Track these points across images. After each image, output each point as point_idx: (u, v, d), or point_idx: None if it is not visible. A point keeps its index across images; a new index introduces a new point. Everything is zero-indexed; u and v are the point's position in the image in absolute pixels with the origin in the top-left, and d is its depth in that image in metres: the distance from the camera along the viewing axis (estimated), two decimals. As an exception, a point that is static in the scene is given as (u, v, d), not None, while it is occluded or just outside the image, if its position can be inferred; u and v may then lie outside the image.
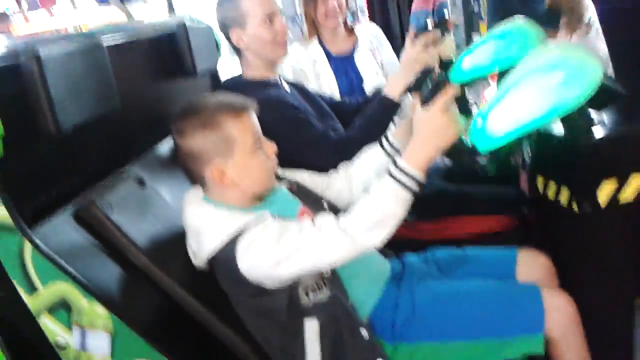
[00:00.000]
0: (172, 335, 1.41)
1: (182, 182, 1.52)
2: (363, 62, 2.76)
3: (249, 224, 1.31)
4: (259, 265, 1.30)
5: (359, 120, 1.86)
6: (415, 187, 1.30)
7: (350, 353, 1.36)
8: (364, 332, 1.37)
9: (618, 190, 1.39)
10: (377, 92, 1.94)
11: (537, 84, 1.24)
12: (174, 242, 1.49)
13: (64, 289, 1.33)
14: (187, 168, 1.43)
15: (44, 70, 1.25)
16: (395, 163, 1.33)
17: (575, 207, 1.43)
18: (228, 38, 1.96)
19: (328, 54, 2.73)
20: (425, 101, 1.32)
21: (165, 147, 1.84)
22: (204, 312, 1.42)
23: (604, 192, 1.40)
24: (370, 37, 2.85)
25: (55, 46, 1.32)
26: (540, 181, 1.56)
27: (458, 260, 1.63)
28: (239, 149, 1.38)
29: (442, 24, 1.79)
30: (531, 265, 1.59)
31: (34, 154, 1.33)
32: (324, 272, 1.37)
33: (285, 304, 1.34)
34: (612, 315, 1.51)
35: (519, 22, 1.65)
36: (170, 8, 3.44)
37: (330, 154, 1.74)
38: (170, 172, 1.72)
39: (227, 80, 2.06)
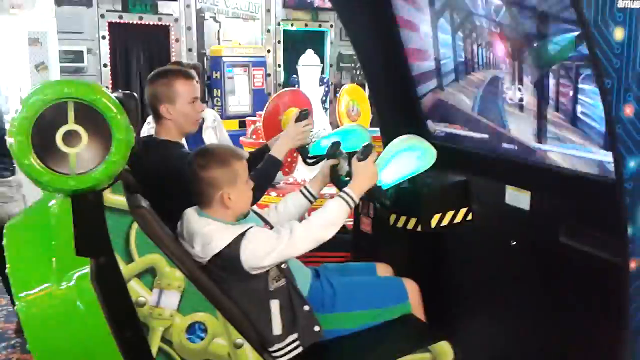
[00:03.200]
0: (218, 298, 1.98)
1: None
2: (208, 137, 3.78)
3: (249, 228, 2.01)
4: (256, 254, 1.99)
5: (254, 171, 2.49)
6: (353, 205, 2.16)
7: (300, 321, 2.11)
8: (306, 307, 2.14)
9: (441, 219, 2.47)
10: (266, 149, 2.65)
11: (407, 156, 2.30)
12: None
13: (155, 258, 1.87)
14: (201, 191, 2.06)
15: None
16: (344, 190, 2.16)
17: (420, 228, 2.48)
18: (155, 108, 2.43)
19: None
20: (360, 158, 2.20)
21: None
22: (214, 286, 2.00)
23: (434, 220, 2.47)
24: (212, 118, 3.96)
25: None
26: (392, 217, 2.59)
27: (342, 269, 2.53)
28: (241, 181, 2.09)
29: (307, 114, 2.66)
30: (383, 270, 2.56)
31: None
32: (283, 265, 2.10)
33: (262, 286, 2.06)
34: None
35: (354, 125, 2.90)
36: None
37: None
38: None
39: (147, 138, 2.59)
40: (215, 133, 3.95)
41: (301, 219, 2.30)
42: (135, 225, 1.83)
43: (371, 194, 2.24)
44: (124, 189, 1.85)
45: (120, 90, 2.52)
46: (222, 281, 2.01)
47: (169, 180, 2.26)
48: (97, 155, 1.70)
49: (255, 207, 2.34)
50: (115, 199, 1.81)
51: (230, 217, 2.09)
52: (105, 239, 1.80)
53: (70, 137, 1.68)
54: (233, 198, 2.05)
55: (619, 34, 1.68)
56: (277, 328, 2.07)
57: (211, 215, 2.06)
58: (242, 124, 7.19)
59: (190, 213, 2.09)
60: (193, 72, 2.56)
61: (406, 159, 2.31)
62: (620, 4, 1.67)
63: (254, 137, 5.52)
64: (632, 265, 1.84)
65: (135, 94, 2.08)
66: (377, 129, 3.25)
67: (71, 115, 1.67)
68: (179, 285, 1.89)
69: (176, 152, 2.38)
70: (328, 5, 8.05)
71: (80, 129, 1.68)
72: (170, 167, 2.28)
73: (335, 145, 2.48)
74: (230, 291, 2.02)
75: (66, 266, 1.76)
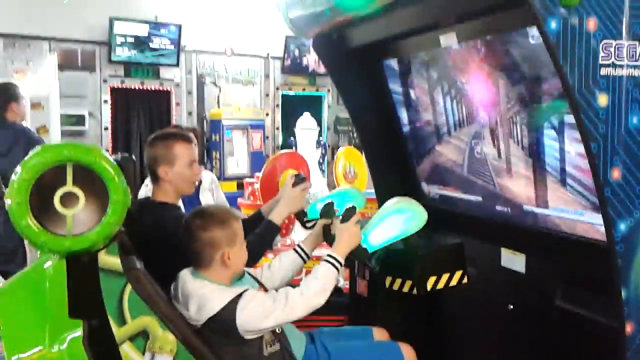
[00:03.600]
0: None
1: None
2: (205, 198, 3.81)
3: (245, 291, 2.01)
4: (252, 318, 1.98)
5: (251, 237, 2.49)
6: (339, 267, 2.16)
7: None
8: None
9: (437, 282, 2.43)
10: (260, 216, 2.69)
11: (395, 218, 2.32)
12: None
13: (147, 321, 1.85)
14: (200, 252, 2.06)
15: None
16: (329, 254, 2.16)
17: (415, 292, 2.45)
18: (154, 170, 2.46)
19: None
20: (343, 220, 2.24)
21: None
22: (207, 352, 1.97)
23: (430, 283, 2.43)
24: (209, 180, 3.99)
25: None
26: (388, 279, 2.57)
27: (338, 333, 2.50)
28: (239, 240, 2.11)
29: (304, 179, 2.69)
30: (379, 334, 2.52)
31: None
32: (277, 330, 2.10)
33: (256, 352, 2.05)
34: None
35: (349, 187, 2.97)
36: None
37: None
38: None
39: (143, 199, 2.60)
40: (212, 195, 4.00)
41: (294, 282, 2.30)
42: (128, 288, 1.83)
43: (355, 255, 2.26)
44: (119, 250, 1.86)
45: (119, 153, 2.57)
46: (216, 346, 1.98)
47: (163, 243, 2.26)
48: (94, 217, 1.72)
49: (248, 269, 2.33)
50: (110, 260, 1.82)
51: (226, 278, 2.09)
52: (99, 301, 1.80)
53: (68, 199, 1.70)
54: (232, 257, 2.06)
55: (603, 100, 1.74)
56: None
57: (207, 277, 2.06)
58: (240, 186, 7.24)
59: (186, 274, 2.09)
60: (192, 136, 2.61)
61: (394, 221, 2.32)
62: (603, 72, 1.73)
63: (251, 198, 5.55)
64: (629, 329, 1.83)
65: (133, 157, 2.12)
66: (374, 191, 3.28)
67: (70, 177, 1.70)
68: (172, 349, 1.87)
69: (171, 215, 2.40)
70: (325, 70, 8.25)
71: (78, 191, 1.71)
72: (165, 229, 2.29)
73: (329, 205, 2.51)
74: (223, 356, 1.99)
75: (59, 328, 1.75)
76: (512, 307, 2.51)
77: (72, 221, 1.70)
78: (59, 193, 1.69)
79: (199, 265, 2.08)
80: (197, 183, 3.73)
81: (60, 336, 1.74)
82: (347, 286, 3.10)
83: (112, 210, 1.72)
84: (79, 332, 1.74)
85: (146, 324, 1.85)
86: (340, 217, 2.26)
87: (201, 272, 2.07)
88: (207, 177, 4.07)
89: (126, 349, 1.83)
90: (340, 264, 2.15)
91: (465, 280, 2.48)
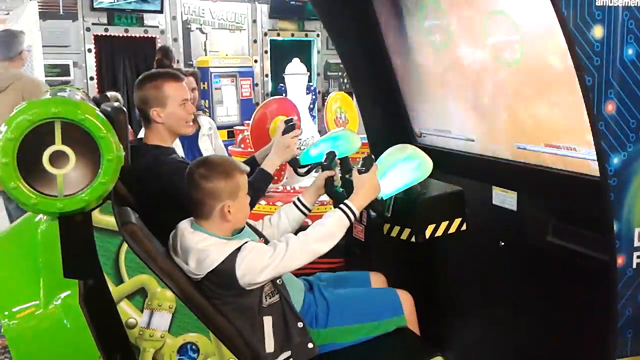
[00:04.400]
0: (211, 316, 1.94)
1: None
2: (203, 144, 3.74)
3: (245, 243, 1.97)
4: (252, 269, 1.94)
5: None
6: (353, 219, 2.10)
7: (293, 338, 2.08)
8: (300, 324, 2.10)
9: (435, 229, 2.41)
10: (254, 161, 2.63)
11: (404, 167, 2.26)
12: None
13: (145, 279, 1.83)
14: (201, 202, 2.00)
15: None
16: (345, 203, 2.10)
17: (413, 239, 2.42)
18: (145, 112, 2.37)
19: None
20: (361, 171, 2.15)
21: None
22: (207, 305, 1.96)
23: (429, 230, 2.41)
24: (208, 126, 3.89)
25: None
26: (386, 226, 2.53)
27: (336, 279, 2.49)
28: (242, 194, 2.05)
29: (294, 125, 2.63)
30: (376, 280, 2.53)
31: None
32: (277, 280, 2.07)
33: (256, 302, 2.02)
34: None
35: (342, 130, 2.84)
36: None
37: None
38: None
39: (137, 143, 2.48)
40: (210, 140, 3.91)
41: (297, 230, 2.26)
42: (125, 246, 1.79)
43: (372, 206, 2.19)
44: (113, 205, 1.80)
45: (107, 96, 2.46)
46: (216, 297, 1.97)
47: (159, 189, 2.21)
48: (86, 176, 1.64)
49: (249, 220, 2.30)
50: (104, 219, 1.77)
51: (226, 231, 2.05)
52: (94, 260, 1.77)
53: (58, 158, 1.62)
54: (233, 211, 2.01)
55: (598, 31, 1.70)
56: (270, 345, 2.03)
57: (207, 229, 2.01)
58: (231, 134, 7.18)
59: (185, 227, 2.03)
60: (182, 75, 2.50)
61: (404, 169, 2.25)
62: (598, 2, 1.68)
63: (242, 146, 5.52)
64: (620, 261, 1.85)
65: (123, 108, 1.98)
66: (365, 135, 3.26)
67: (58, 135, 1.62)
68: (170, 306, 1.86)
69: (166, 160, 2.33)
70: (314, 15, 8.10)
71: (67, 150, 1.63)
72: (159, 175, 2.24)
73: (331, 155, 2.45)
74: (223, 308, 1.98)
75: (54, 287, 1.72)
76: (503, 243, 2.53)
77: (63, 181, 1.63)
78: (48, 152, 1.61)
79: (198, 215, 2.04)
80: (195, 129, 3.69)
81: (55, 294, 1.72)
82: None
83: (105, 168, 1.64)
84: (73, 291, 1.72)
85: (144, 281, 1.83)
86: (359, 167, 2.16)
87: (201, 224, 2.03)
88: (206, 122, 3.96)
89: (124, 307, 1.82)
90: (355, 216, 2.09)
91: (464, 227, 2.45)
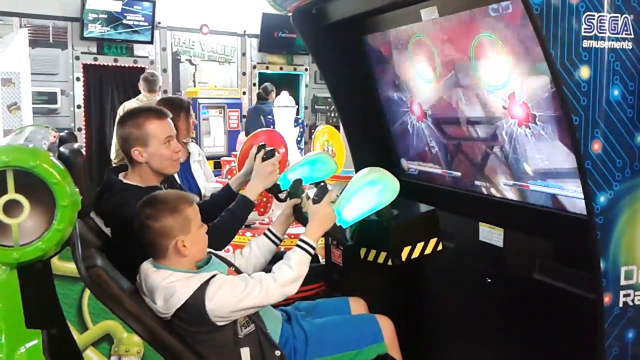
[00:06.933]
0: (183, 356, 1.89)
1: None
2: (196, 170, 3.73)
3: (213, 276, 1.92)
4: (224, 303, 1.90)
5: (225, 213, 2.47)
6: (312, 252, 2.09)
7: None
8: (277, 352, 2.07)
9: (411, 251, 2.43)
10: (230, 190, 2.61)
11: (368, 191, 2.23)
12: None
13: (110, 325, 1.79)
14: (153, 243, 1.94)
15: None
16: (301, 238, 2.08)
17: (390, 262, 2.43)
18: (126, 152, 2.27)
19: None
20: (315, 201, 2.13)
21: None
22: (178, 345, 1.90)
23: (405, 253, 2.43)
24: (197, 152, 3.89)
25: None
26: (363, 251, 2.55)
27: (314, 307, 2.45)
28: (194, 226, 2.00)
29: (273, 153, 2.62)
30: (356, 306, 2.48)
31: None
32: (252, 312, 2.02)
33: (230, 335, 1.98)
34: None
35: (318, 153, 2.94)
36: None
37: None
38: None
39: (112, 178, 2.37)
40: (200, 166, 3.91)
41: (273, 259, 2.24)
42: (87, 292, 1.75)
43: (330, 234, 2.18)
44: (75, 250, 1.76)
45: (66, 132, 2.39)
46: (189, 336, 1.92)
47: (125, 230, 2.11)
48: (41, 224, 1.59)
49: (220, 252, 2.25)
50: (64, 266, 1.73)
51: (189, 264, 1.99)
52: (57, 309, 1.73)
53: (11, 207, 1.57)
54: (188, 245, 1.95)
55: (585, 72, 1.73)
56: None
57: (169, 266, 1.96)
58: (218, 165, 7.17)
59: (147, 267, 1.98)
60: (166, 112, 2.42)
61: (367, 194, 2.24)
62: (585, 44, 1.73)
63: (229, 177, 5.51)
64: (606, 299, 1.85)
65: (82, 150, 1.91)
66: (353, 169, 3.27)
67: (11, 184, 1.56)
68: (138, 351, 1.82)
69: (134, 202, 2.10)
70: (303, 49, 8.21)
71: (21, 198, 1.57)
72: (125, 217, 2.10)
73: (297, 183, 2.42)
74: (197, 346, 1.92)
75: (18, 337, 1.66)
76: (489, 280, 2.53)
77: (18, 230, 1.57)
78: (1, 201, 1.56)
79: (155, 256, 1.99)
80: (185, 157, 3.64)
81: (19, 344, 1.65)
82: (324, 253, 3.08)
83: (61, 215, 1.59)
84: (37, 341, 1.66)
85: (109, 327, 1.80)
86: (313, 196, 2.15)
87: (161, 262, 1.97)
88: (195, 149, 3.97)
89: (90, 354, 1.78)
90: (314, 248, 2.08)
91: (440, 247, 2.46)
